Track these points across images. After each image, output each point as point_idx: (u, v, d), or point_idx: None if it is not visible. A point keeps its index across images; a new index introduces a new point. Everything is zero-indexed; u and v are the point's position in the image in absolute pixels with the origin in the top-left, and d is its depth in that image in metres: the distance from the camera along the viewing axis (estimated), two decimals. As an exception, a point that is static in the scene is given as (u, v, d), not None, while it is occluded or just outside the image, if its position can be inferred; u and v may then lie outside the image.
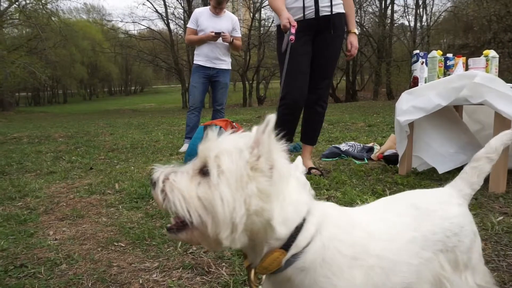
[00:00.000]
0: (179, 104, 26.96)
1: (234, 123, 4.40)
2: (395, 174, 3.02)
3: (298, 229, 0.77)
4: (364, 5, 24.15)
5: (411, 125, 3.00)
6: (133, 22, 43.11)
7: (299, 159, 1.62)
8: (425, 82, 2.99)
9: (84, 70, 38.50)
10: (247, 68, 26.43)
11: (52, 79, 28.65)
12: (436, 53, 3.00)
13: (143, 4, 40.37)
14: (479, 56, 2.94)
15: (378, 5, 24.43)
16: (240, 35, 4.79)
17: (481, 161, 1.03)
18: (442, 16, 24.69)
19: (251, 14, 26.36)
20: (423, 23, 25.68)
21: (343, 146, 4.02)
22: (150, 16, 53.70)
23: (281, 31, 2.95)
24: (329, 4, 2.95)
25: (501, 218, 2.00)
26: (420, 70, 3.04)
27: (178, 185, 0.76)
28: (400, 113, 2.94)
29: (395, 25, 25.21)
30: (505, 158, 2.43)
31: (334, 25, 3.00)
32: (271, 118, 0.73)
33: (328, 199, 2.48)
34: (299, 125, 3.31)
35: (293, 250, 0.77)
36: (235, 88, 33.17)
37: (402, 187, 2.67)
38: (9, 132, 7.99)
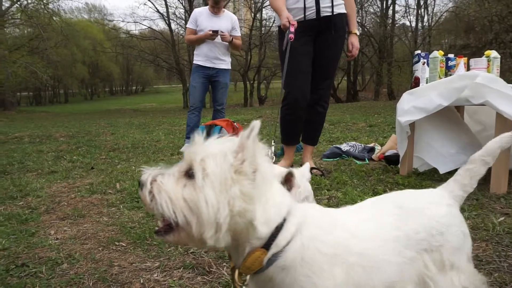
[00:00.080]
0: (180, 104, 26.95)
1: (235, 123, 4.40)
2: (396, 175, 3.02)
3: (278, 229, 0.80)
4: (365, 5, 24.12)
5: (412, 125, 3.00)
6: (134, 22, 43.05)
7: (306, 166, 1.62)
8: (427, 83, 2.99)
9: (85, 70, 38.53)
10: (248, 68, 26.42)
11: (54, 78, 28.70)
12: (437, 54, 3.00)
13: (145, 4, 40.50)
14: (481, 57, 2.93)
15: (379, 5, 24.42)
16: (240, 34, 4.77)
17: (476, 164, 1.02)
18: (443, 17, 24.68)
19: (252, 14, 26.37)
20: (424, 24, 25.68)
21: (344, 146, 4.02)
22: (151, 16, 53.65)
23: (282, 31, 2.95)
24: (330, 4, 2.95)
25: (502, 218, 2.00)
26: (421, 70, 3.03)
27: (165, 187, 0.79)
28: (401, 114, 2.94)
29: (397, 25, 25.18)
30: (506, 159, 2.43)
31: (335, 25, 3.00)
32: (256, 124, 0.77)
33: (329, 199, 2.48)
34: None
35: (273, 249, 0.80)
36: (236, 88, 33.18)
37: (403, 187, 2.67)
38: (11, 132, 8.00)
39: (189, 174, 0.80)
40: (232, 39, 4.51)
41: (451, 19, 22.76)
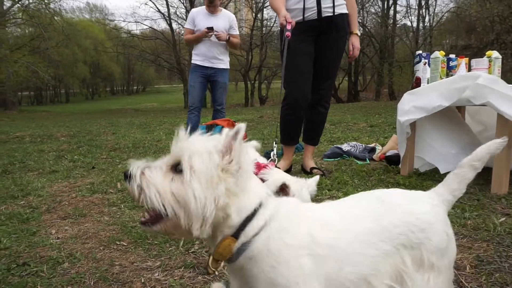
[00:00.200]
0: (181, 104, 26.97)
1: (236, 123, 4.40)
2: (397, 175, 3.02)
3: (248, 219, 0.85)
4: (366, 5, 24.10)
5: (413, 125, 3.00)
6: (135, 21, 43.10)
7: (315, 178, 1.62)
8: (428, 83, 2.99)
9: (86, 70, 38.53)
10: (249, 68, 26.43)
11: (55, 78, 28.70)
12: (438, 54, 3.00)
13: (146, 4, 40.41)
14: (482, 57, 2.93)
15: (380, 5, 24.43)
16: (238, 33, 4.75)
17: (465, 168, 1.02)
18: (444, 17, 24.64)
19: (253, 14, 26.37)
20: (425, 24, 25.66)
21: (345, 147, 4.02)
22: (152, 16, 53.88)
23: (283, 32, 2.95)
24: (332, 5, 2.95)
25: (503, 219, 2.00)
26: (422, 70, 3.03)
27: (153, 181, 0.84)
28: (401, 113, 2.94)
29: (398, 25, 25.15)
30: (507, 160, 2.43)
31: (336, 25, 3.00)
32: (242, 126, 0.84)
33: (330, 199, 2.48)
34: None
35: (242, 238, 0.85)
36: (237, 88, 33.19)
37: (404, 187, 2.67)
38: (12, 131, 8.02)
39: (176, 168, 0.84)
40: (229, 37, 4.49)
41: (453, 19, 22.72)
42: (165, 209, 0.82)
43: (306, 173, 3.22)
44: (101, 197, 2.80)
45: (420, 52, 3.08)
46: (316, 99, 3.17)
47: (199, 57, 4.56)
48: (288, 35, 2.78)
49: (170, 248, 1.86)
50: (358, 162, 3.65)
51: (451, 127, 2.94)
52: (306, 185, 1.54)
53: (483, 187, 2.53)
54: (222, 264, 0.90)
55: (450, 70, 3.01)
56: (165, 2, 27.09)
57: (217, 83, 4.65)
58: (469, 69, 2.95)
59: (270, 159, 2.08)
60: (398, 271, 0.91)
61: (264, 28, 26.80)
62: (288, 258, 0.83)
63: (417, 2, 24.42)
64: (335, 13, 2.97)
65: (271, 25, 25.69)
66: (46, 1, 20.84)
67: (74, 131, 7.92)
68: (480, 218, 2.03)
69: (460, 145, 2.83)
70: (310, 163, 3.28)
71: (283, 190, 1.52)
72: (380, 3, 24.28)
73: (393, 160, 3.39)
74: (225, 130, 0.87)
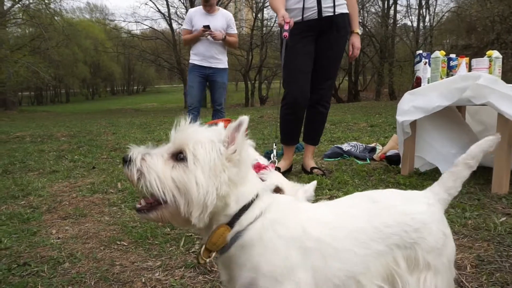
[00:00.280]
0: (181, 104, 26.95)
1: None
2: (397, 175, 3.02)
3: (244, 208, 0.87)
4: (366, 5, 24.07)
5: (414, 125, 3.00)
6: (135, 21, 43.11)
7: (313, 184, 1.62)
8: (428, 83, 2.99)
9: (86, 70, 38.51)
10: (250, 68, 26.43)
11: (55, 78, 28.68)
12: (439, 54, 3.00)
13: (146, 4, 40.42)
14: (482, 57, 2.93)
15: (380, 5, 24.39)
16: (236, 32, 4.74)
17: (459, 167, 1.02)
18: (445, 17, 24.62)
19: (254, 14, 26.37)
20: (426, 24, 25.65)
21: (345, 146, 4.02)
22: (152, 16, 53.85)
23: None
24: (332, 4, 2.95)
25: (504, 219, 2.00)
26: (423, 70, 3.03)
27: (153, 167, 0.84)
28: (400, 113, 2.95)
29: (398, 25, 25.14)
30: (507, 159, 2.42)
31: (337, 25, 3.00)
32: (245, 119, 0.86)
33: (330, 199, 2.48)
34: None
35: (236, 227, 0.86)
36: (237, 88, 33.17)
37: (404, 187, 2.67)
38: (12, 131, 8.02)
39: (177, 157, 0.85)
40: (225, 36, 4.48)
41: (453, 19, 22.71)
42: (165, 195, 0.82)
43: (307, 173, 3.22)
44: (101, 197, 2.80)
45: (420, 51, 3.08)
46: (317, 99, 3.17)
47: (197, 56, 4.55)
48: (286, 35, 2.78)
49: (170, 248, 1.86)
50: (359, 162, 3.65)
51: (451, 127, 2.94)
52: (302, 190, 1.54)
53: (484, 187, 2.53)
54: (214, 254, 0.90)
55: (450, 70, 3.01)
56: (165, 2, 27.10)
57: (216, 83, 4.64)
58: (470, 69, 2.95)
59: (270, 161, 2.08)
60: (390, 271, 0.90)
61: (264, 28, 26.79)
62: (278, 248, 0.84)
63: (418, 2, 24.43)
64: (336, 13, 2.97)
65: (271, 25, 25.70)
66: (46, 1, 20.83)
67: (75, 131, 7.92)
68: (480, 217, 2.03)
69: (460, 145, 2.83)
70: (311, 163, 3.28)
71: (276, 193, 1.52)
72: (380, 2, 24.27)
73: (393, 160, 3.39)
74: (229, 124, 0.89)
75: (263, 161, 1.94)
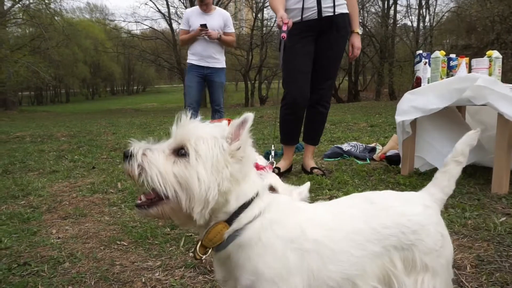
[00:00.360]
0: (181, 104, 26.86)
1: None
2: (397, 175, 3.02)
3: (244, 206, 0.86)
4: (367, 5, 24.07)
5: (414, 125, 3.00)
6: (135, 21, 42.99)
7: (306, 185, 1.62)
8: (428, 83, 2.99)
9: (86, 70, 38.51)
10: (249, 68, 26.43)
11: (55, 78, 28.68)
12: (439, 54, 3.00)
13: (146, 4, 40.41)
14: (482, 57, 2.93)
15: (380, 5, 24.40)
16: (233, 31, 4.73)
17: (450, 165, 1.03)
18: (445, 17, 24.62)
19: (254, 14, 26.37)
20: (426, 24, 25.65)
21: (345, 146, 4.02)
22: (152, 16, 53.79)
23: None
24: (332, 4, 2.95)
25: (503, 219, 2.00)
26: (423, 70, 3.03)
27: (155, 162, 0.84)
28: (399, 113, 2.95)
29: (398, 25, 25.14)
30: (507, 159, 2.43)
31: (337, 25, 3.00)
32: (250, 116, 0.86)
33: (330, 199, 2.48)
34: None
35: (235, 224, 0.86)
36: (237, 88, 33.17)
37: (404, 187, 2.67)
38: (12, 131, 8.02)
39: (178, 152, 0.85)
40: (220, 35, 4.46)
41: (453, 19, 22.71)
42: (166, 190, 0.82)
43: (307, 173, 3.22)
44: (101, 197, 2.80)
45: (420, 52, 3.08)
46: (316, 99, 3.17)
47: (195, 56, 4.54)
48: (284, 36, 2.78)
49: (170, 248, 1.86)
50: (359, 162, 3.65)
51: (451, 127, 2.94)
52: (296, 191, 1.54)
53: (484, 187, 2.53)
54: (210, 251, 0.90)
55: (450, 70, 3.01)
56: (165, 2, 27.14)
57: (214, 83, 4.62)
58: (470, 69, 2.95)
59: (268, 162, 2.08)
60: (387, 272, 0.90)
61: (264, 28, 26.80)
62: (276, 249, 0.84)
63: (418, 2, 24.44)
64: (336, 13, 2.97)
65: (271, 25, 25.70)
66: (46, 1, 20.83)
67: (75, 131, 7.92)
68: (480, 217, 2.03)
69: (461, 145, 2.83)
70: (311, 163, 3.28)
71: None
72: (380, 3, 24.28)
73: (393, 160, 3.39)
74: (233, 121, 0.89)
75: (261, 161, 1.95)
